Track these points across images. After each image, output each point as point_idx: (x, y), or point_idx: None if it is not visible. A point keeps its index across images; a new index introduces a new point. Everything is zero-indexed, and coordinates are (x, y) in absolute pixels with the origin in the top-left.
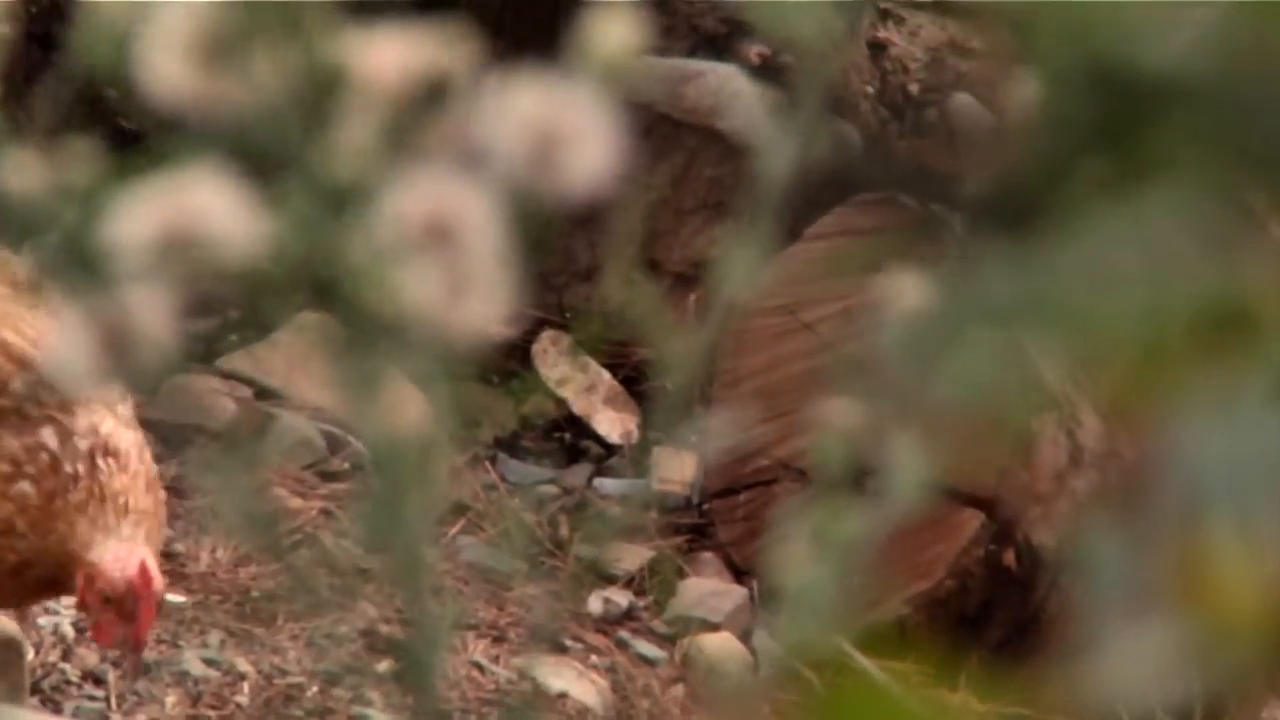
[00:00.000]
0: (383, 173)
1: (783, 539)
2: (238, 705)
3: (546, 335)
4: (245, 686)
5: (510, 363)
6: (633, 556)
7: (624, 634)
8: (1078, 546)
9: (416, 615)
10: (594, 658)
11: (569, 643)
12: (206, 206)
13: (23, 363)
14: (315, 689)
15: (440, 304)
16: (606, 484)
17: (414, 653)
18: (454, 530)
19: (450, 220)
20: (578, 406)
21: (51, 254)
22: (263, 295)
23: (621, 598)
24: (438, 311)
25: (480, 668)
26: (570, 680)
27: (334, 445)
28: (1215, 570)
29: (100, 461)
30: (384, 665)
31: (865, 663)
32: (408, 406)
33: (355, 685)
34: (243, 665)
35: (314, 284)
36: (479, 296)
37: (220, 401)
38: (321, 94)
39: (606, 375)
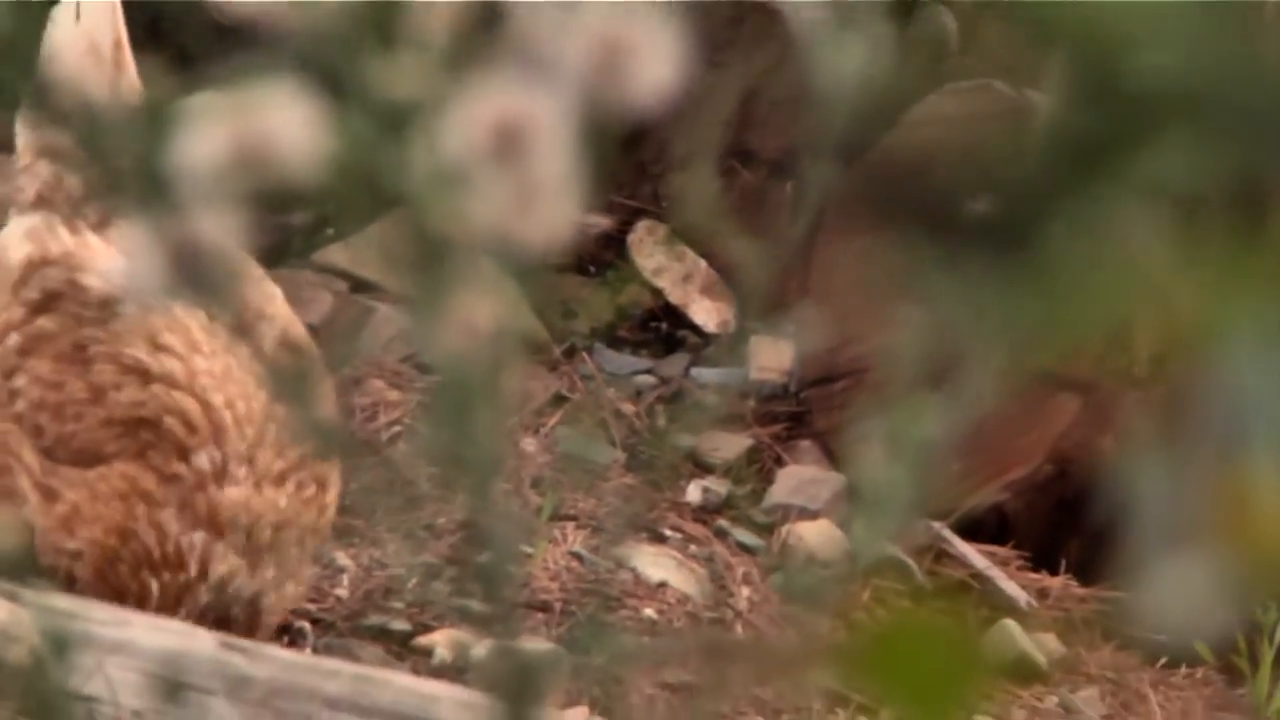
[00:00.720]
0: (446, 89)
1: (861, 436)
2: (337, 598)
3: (642, 225)
4: (345, 579)
5: (606, 253)
6: (731, 445)
7: (723, 523)
8: (1128, 470)
9: (487, 528)
10: (693, 547)
11: (668, 532)
12: (274, 124)
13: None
14: (414, 581)
15: (510, 213)
16: (704, 373)
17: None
18: (552, 422)
19: (519, 128)
20: (674, 296)
21: (120, 173)
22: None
23: (720, 486)
24: (507, 221)
25: (579, 558)
26: (669, 570)
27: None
28: (1254, 502)
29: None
30: (484, 557)
31: (964, 548)
32: (475, 320)
33: (455, 577)
34: (342, 559)
35: (380, 201)
36: (549, 204)
37: (317, 295)
38: (384, 9)
39: (703, 264)
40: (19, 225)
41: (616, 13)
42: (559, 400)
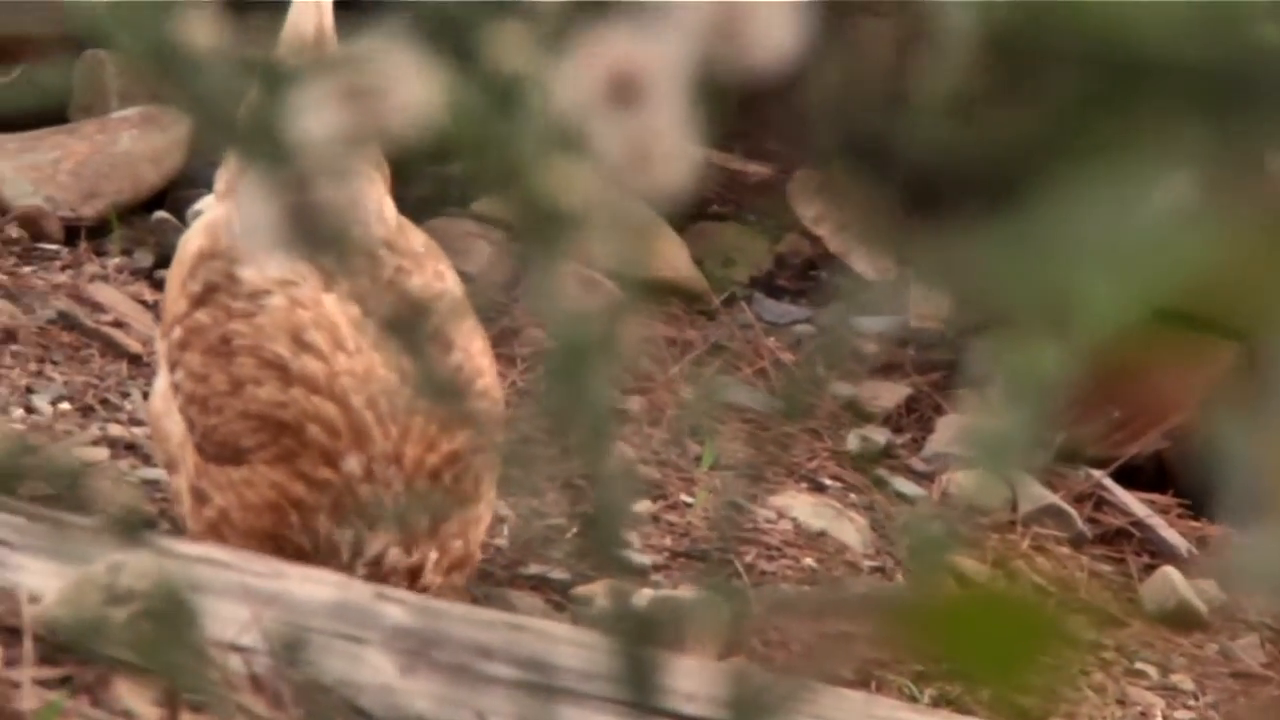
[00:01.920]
0: (566, 44)
1: (981, 379)
2: (497, 548)
3: (801, 173)
4: (505, 529)
5: (765, 202)
6: (890, 393)
7: (882, 471)
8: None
9: (598, 481)
10: (852, 496)
11: (827, 481)
12: (390, 85)
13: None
14: (574, 531)
15: (628, 161)
16: (863, 321)
17: (598, 518)
18: (711, 371)
19: (635, 76)
20: (833, 244)
21: (236, 126)
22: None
23: (879, 435)
24: (625, 169)
25: (739, 507)
26: (829, 519)
27: (593, 286)
28: None
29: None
30: (643, 506)
31: (1124, 496)
32: (589, 286)
33: (619, 527)
34: (501, 508)
35: (493, 166)
36: (667, 152)
37: (474, 245)
38: None
39: (862, 211)
40: (205, 217)
41: None
42: (718, 349)
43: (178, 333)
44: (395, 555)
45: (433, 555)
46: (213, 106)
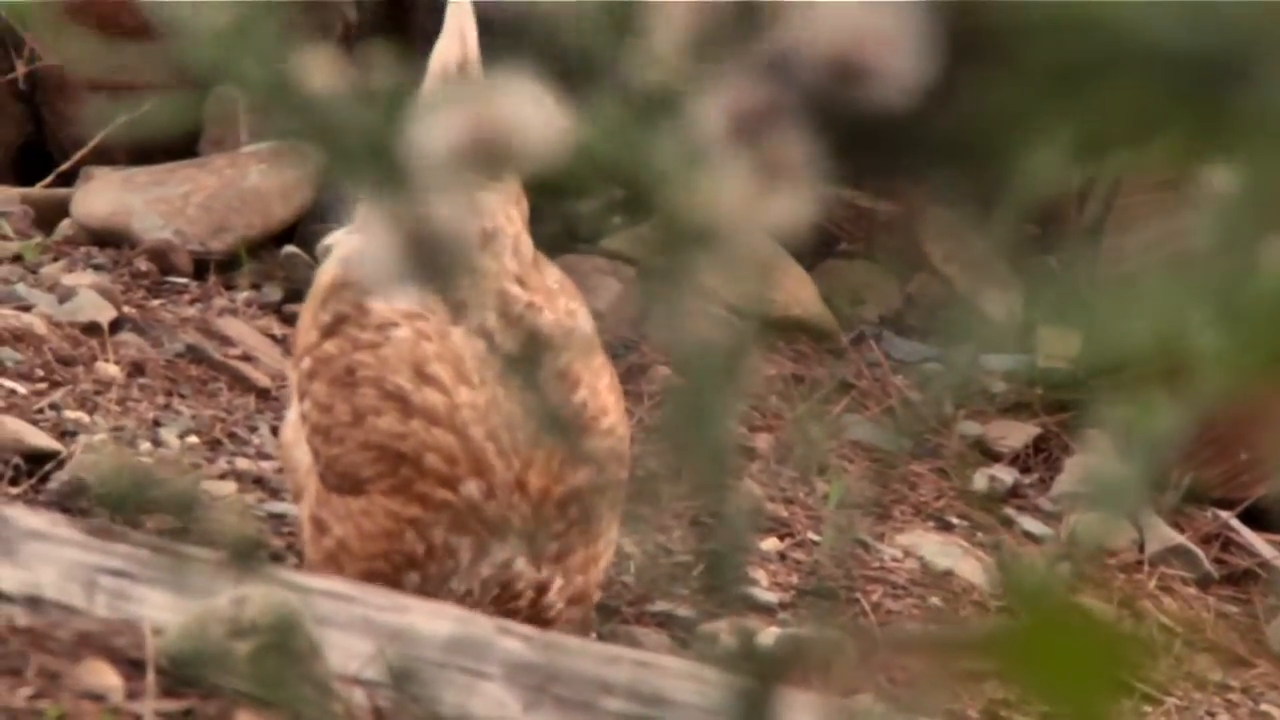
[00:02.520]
0: (691, 79)
1: (1096, 428)
2: (623, 584)
3: (931, 212)
4: (630, 565)
5: (894, 239)
6: (1018, 433)
7: (1010, 511)
8: None
9: (721, 517)
10: (979, 535)
11: (954, 520)
12: (514, 112)
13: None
14: (701, 568)
15: (751, 200)
16: (992, 360)
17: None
18: (839, 408)
19: (764, 113)
20: (962, 282)
21: (354, 156)
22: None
23: (1007, 474)
24: (749, 208)
25: (866, 546)
26: (955, 558)
27: (723, 324)
28: None
29: (491, 591)
30: (769, 543)
31: (1251, 537)
32: (712, 312)
33: (740, 564)
34: (628, 544)
35: (625, 190)
36: (789, 192)
37: (604, 281)
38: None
39: (991, 251)
40: (341, 248)
41: (862, 9)
42: (845, 387)
43: (307, 363)
44: (522, 565)
45: (558, 580)
46: (331, 140)
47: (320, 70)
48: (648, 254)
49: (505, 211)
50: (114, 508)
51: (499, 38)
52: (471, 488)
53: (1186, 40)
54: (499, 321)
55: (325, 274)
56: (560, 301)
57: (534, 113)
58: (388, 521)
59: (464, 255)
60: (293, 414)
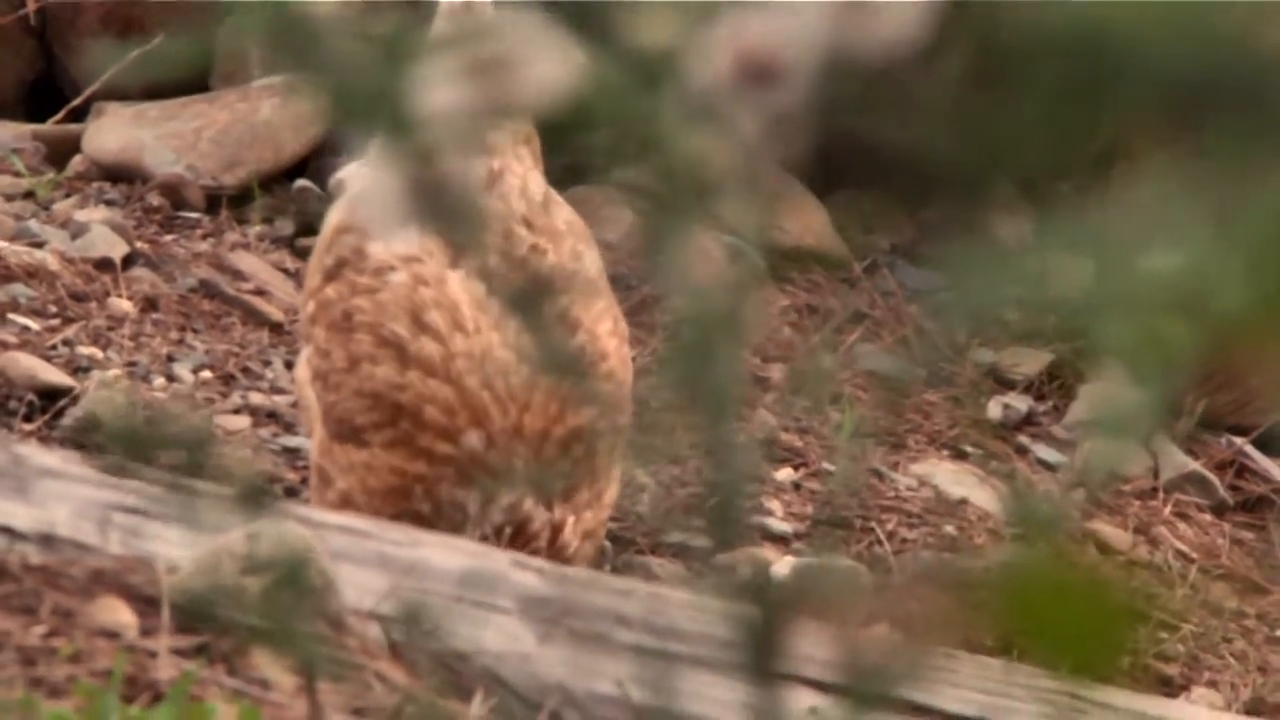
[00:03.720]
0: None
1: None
2: (638, 515)
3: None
4: (645, 497)
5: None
6: (1032, 361)
7: (1023, 439)
8: None
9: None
10: (993, 463)
11: (968, 449)
12: (519, 59)
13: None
14: (715, 499)
15: (756, 143)
16: (1005, 288)
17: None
18: (852, 338)
19: (767, 59)
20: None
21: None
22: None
23: (1021, 403)
24: (754, 151)
25: (880, 475)
26: (970, 486)
27: (734, 255)
28: None
29: (505, 535)
30: (783, 474)
31: (1265, 463)
32: (715, 260)
33: (755, 494)
34: (642, 476)
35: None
36: (795, 130)
37: (617, 212)
38: None
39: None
40: (350, 189)
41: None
42: (859, 317)
43: (310, 306)
44: (531, 506)
45: (570, 517)
46: (334, 80)
47: (325, 7)
48: (652, 189)
49: (514, 150)
50: (125, 445)
51: None
52: (472, 439)
53: (1185, 61)
54: (501, 263)
55: (333, 215)
56: (567, 244)
57: (541, 53)
58: (393, 478)
59: (468, 198)
60: (306, 351)
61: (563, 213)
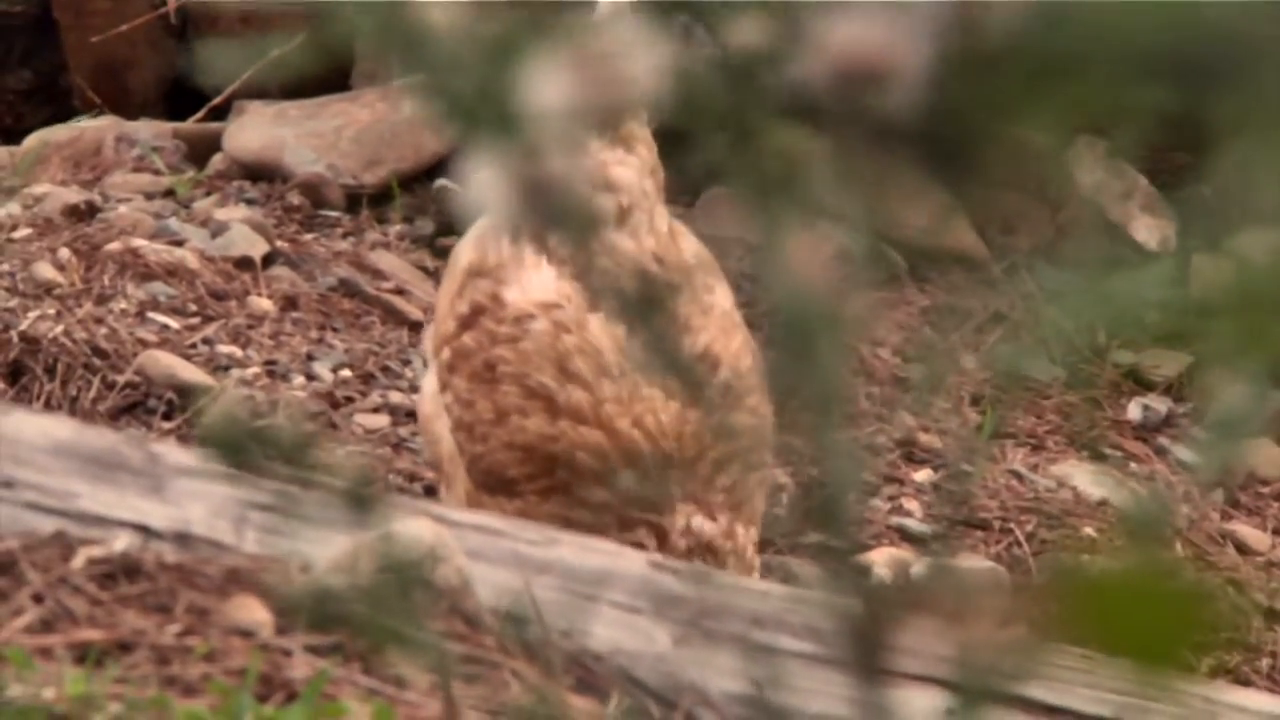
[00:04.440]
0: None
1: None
2: (776, 516)
3: (1082, 141)
4: (783, 498)
5: (1045, 171)
6: (1172, 362)
7: (1163, 440)
8: None
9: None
10: (1133, 465)
11: (1108, 450)
12: (622, 61)
13: (632, 459)
14: (852, 498)
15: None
16: (1145, 289)
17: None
18: (992, 339)
19: (872, 60)
20: (1114, 213)
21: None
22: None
23: (1160, 404)
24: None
25: (1019, 476)
26: (1109, 487)
27: (873, 256)
28: None
29: (695, 561)
30: (922, 474)
31: None
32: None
33: (893, 495)
34: (781, 477)
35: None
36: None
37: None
38: None
39: (1143, 181)
40: (476, 228)
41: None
42: (998, 317)
43: (446, 354)
44: (700, 522)
45: (739, 527)
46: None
47: (438, 7)
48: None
49: (641, 185)
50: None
51: None
52: (627, 479)
53: (1168, 40)
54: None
55: (461, 257)
56: (697, 279)
57: (641, 52)
58: (552, 524)
59: (580, 199)
60: (430, 383)
61: (690, 245)
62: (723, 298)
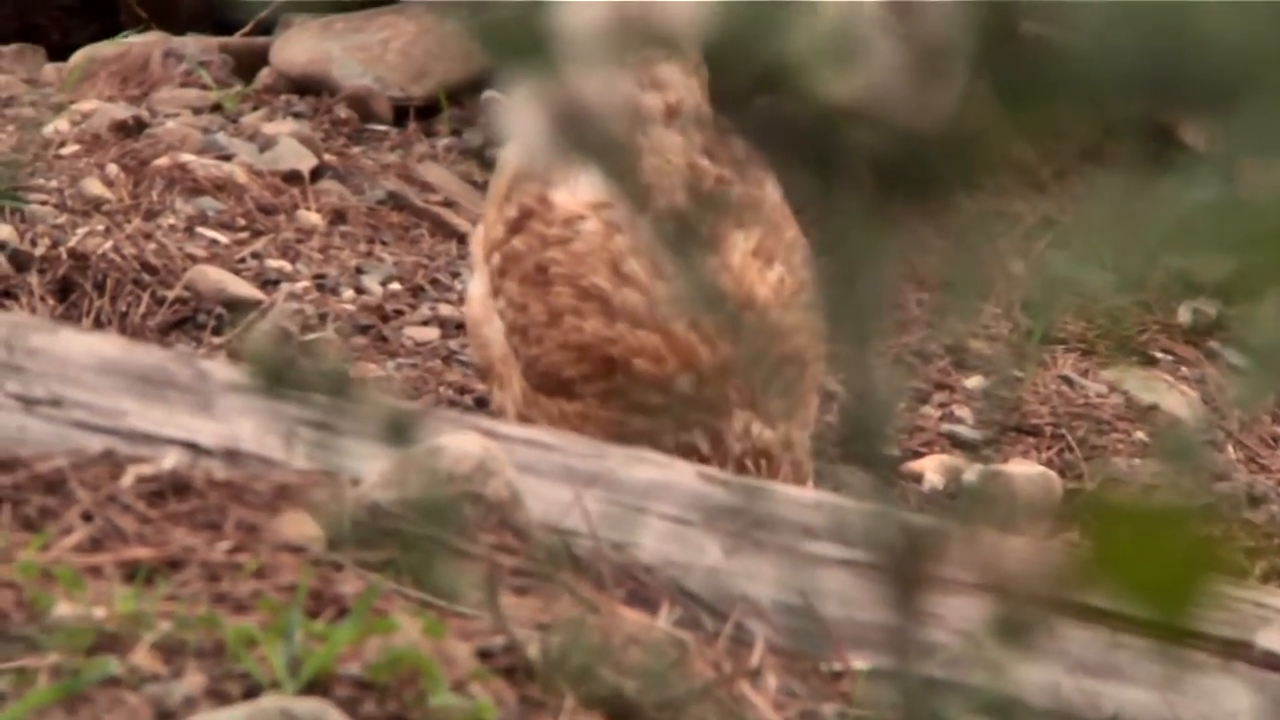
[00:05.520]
0: None
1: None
2: (827, 424)
3: None
4: (834, 406)
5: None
6: (1222, 265)
7: (1214, 344)
8: None
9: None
10: (1184, 369)
11: (1158, 354)
12: None
13: (689, 362)
14: (903, 406)
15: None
16: (1194, 192)
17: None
18: (1041, 245)
19: None
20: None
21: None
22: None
23: (1211, 307)
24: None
25: (1069, 382)
26: (1160, 392)
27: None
28: None
29: (750, 465)
30: (973, 381)
31: None
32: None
33: (944, 402)
34: (831, 385)
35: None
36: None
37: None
38: None
39: None
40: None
41: None
42: (1048, 223)
43: (496, 259)
44: (759, 429)
45: (795, 433)
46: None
47: None
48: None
49: (685, 83)
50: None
51: None
52: (684, 383)
53: (1145, 65)
54: (688, 198)
55: (507, 162)
56: (749, 172)
57: None
58: (610, 430)
59: (622, 134)
60: (477, 288)
61: (739, 140)
62: (772, 191)
